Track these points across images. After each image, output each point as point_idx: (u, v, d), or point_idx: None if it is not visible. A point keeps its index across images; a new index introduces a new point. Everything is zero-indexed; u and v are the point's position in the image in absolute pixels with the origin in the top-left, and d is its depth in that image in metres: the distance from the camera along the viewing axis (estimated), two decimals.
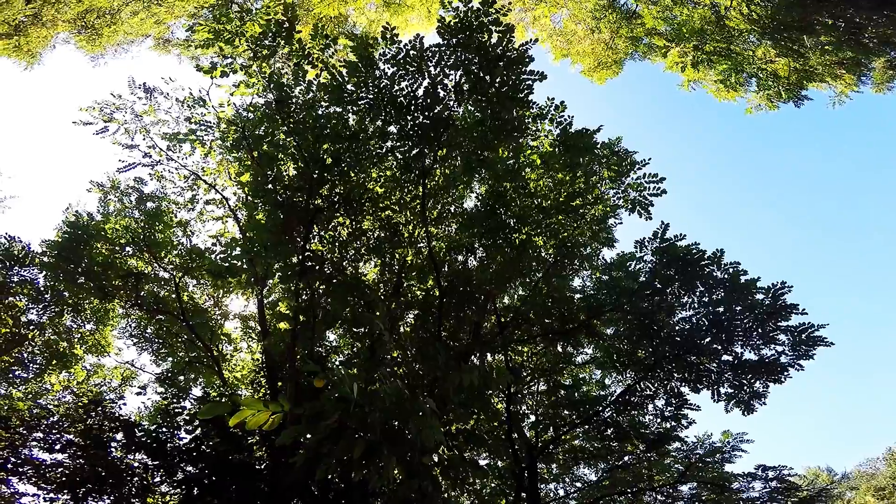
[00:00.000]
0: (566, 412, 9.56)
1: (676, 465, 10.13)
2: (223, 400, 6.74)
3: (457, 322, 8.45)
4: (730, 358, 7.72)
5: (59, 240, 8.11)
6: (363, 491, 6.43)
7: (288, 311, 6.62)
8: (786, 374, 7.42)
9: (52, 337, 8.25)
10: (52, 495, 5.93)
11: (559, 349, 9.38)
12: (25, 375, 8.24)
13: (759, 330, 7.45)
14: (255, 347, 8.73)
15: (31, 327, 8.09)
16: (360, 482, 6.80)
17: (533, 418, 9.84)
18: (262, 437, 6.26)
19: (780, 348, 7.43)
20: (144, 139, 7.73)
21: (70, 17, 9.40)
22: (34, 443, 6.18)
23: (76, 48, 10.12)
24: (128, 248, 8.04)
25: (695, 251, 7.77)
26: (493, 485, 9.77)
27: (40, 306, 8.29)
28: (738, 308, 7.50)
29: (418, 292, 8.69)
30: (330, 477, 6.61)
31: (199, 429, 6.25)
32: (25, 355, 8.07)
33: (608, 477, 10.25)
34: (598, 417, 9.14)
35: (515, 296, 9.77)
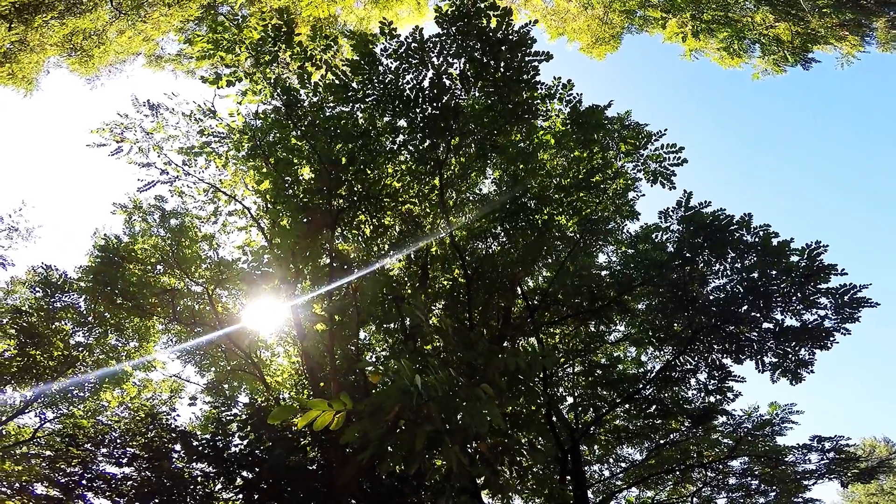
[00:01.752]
0: (605, 392, 9.43)
1: (725, 440, 9.82)
2: (272, 404, 6.98)
3: (485, 309, 8.48)
4: (771, 325, 7.43)
5: (93, 264, 8.38)
6: (413, 485, 6.62)
7: (323, 312, 6.73)
8: (831, 339, 7.13)
9: (100, 357, 8.62)
10: None
11: (591, 328, 9.32)
12: (83, 395, 8.68)
13: (798, 294, 7.13)
14: (293, 351, 8.95)
15: (80, 349, 8.46)
16: (412, 476, 7.01)
17: (571, 400, 9.81)
18: (314, 437, 6.46)
19: (822, 312, 7.12)
20: (159, 156, 7.83)
21: (57, 41, 9.46)
22: (101, 458, 6.52)
23: (69, 71, 10.25)
24: (159, 267, 8.26)
25: (722, 217, 7.53)
26: (535, 470, 9.89)
27: (85, 329, 8.64)
28: (774, 272, 7.23)
29: (444, 282, 8.73)
30: (385, 477, 6.83)
31: (252, 434, 6.47)
32: (80, 375, 8.49)
33: (654, 455, 10.05)
34: (638, 395, 8.92)
35: (540, 278, 9.74)
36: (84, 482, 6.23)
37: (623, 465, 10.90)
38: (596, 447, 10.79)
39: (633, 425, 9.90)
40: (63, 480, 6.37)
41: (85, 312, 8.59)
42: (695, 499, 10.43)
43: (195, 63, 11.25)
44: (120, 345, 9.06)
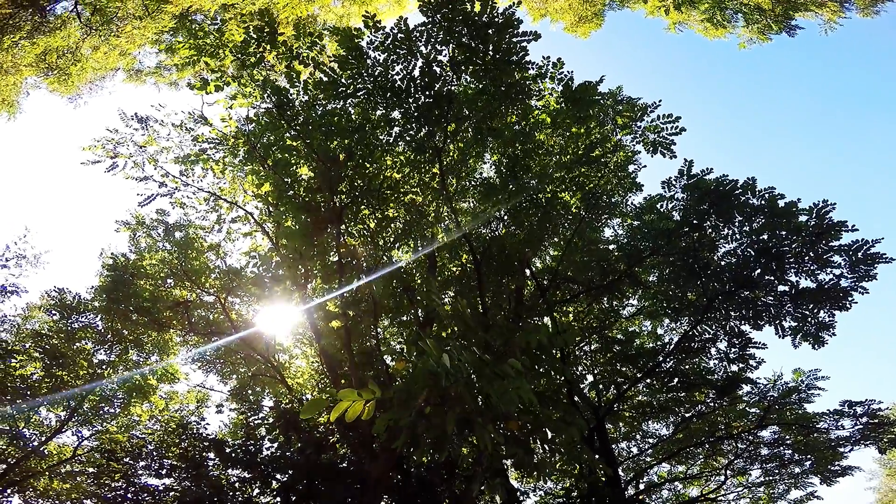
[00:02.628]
0: (624, 368, 9.33)
1: (753, 410, 9.62)
2: (296, 406, 7.07)
3: (496, 292, 8.48)
4: (786, 288, 7.31)
5: (104, 283, 8.46)
6: (443, 475, 6.72)
7: (337, 309, 6.76)
8: (849, 299, 6.99)
9: (124, 373, 8.78)
10: None
11: (604, 304, 9.27)
12: (113, 411, 8.88)
13: (811, 253, 6.96)
14: (310, 352, 9.04)
15: (104, 366, 8.62)
16: (442, 466, 7.11)
17: (591, 379, 9.75)
18: (343, 435, 6.55)
19: (837, 271, 6.98)
20: (155, 168, 7.79)
21: (31, 61, 9.38)
22: (141, 471, 6.67)
23: (49, 91, 10.19)
24: (169, 280, 8.31)
25: (726, 182, 7.42)
26: (563, 451, 9.84)
27: (105, 346, 8.79)
28: (783, 233, 7.14)
29: (454, 268, 8.73)
30: (413, 469, 6.94)
31: (281, 436, 6.58)
32: (108, 392, 8.67)
33: (681, 429, 9.89)
34: (659, 369, 8.76)
35: (548, 257, 9.72)
36: (129, 496, 6.39)
37: (651, 441, 10.77)
38: (621, 424, 10.73)
39: (656, 400, 9.75)
40: (110, 496, 6.53)
41: (103, 331, 8.72)
42: (727, 471, 10.25)
43: (177, 74, 11.16)
44: (141, 360, 9.21)
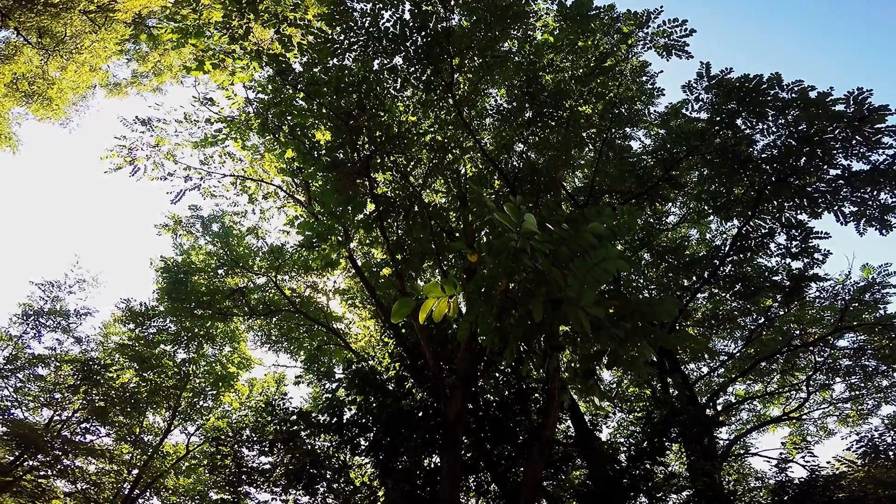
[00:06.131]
0: (682, 280, 8.73)
1: (826, 314, 8.78)
2: (367, 367, 7.29)
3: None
4: (838, 172, 6.63)
5: (162, 287, 8.88)
6: (515, 411, 6.79)
7: (384, 255, 6.75)
8: None
9: (205, 367, 9.41)
10: (282, 496, 6.82)
11: (647, 212, 8.75)
12: (207, 404, 9.63)
13: (857, 137, 6.26)
14: (365, 314, 9.23)
15: (187, 364, 9.26)
16: (514, 399, 7.18)
17: (647, 295, 9.25)
18: (417, 380, 6.71)
19: (890, 151, 6.24)
20: (176, 164, 7.86)
21: (4, 92, 9.60)
22: (246, 454, 7.15)
23: (38, 120, 10.45)
24: (220, 271, 8.60)
25: (751, 78, 6.74)
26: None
27: (182, 345, 9.39)
28: (823, 123, 6.39)
29: (486, 199, 8.49)
30: (481, 413, 7.07)
31: (359, 395, 6.81)
32: (198, 388, 9.37)
33: (753, 342, 9.14)
34: (717, 276, 8.17)
35: (580, 175, 9.32)
36: (244, 478, 6.89)
37: (722, 358, 10.08)
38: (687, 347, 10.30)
39: (720, 311, 9.10)
40: (227, 480, 7.07)
41: (176, 331, 9.27)
42: (808, 387, 9.50)
43: (156, 79, 11.12)
44: (217, 352, 9.79)
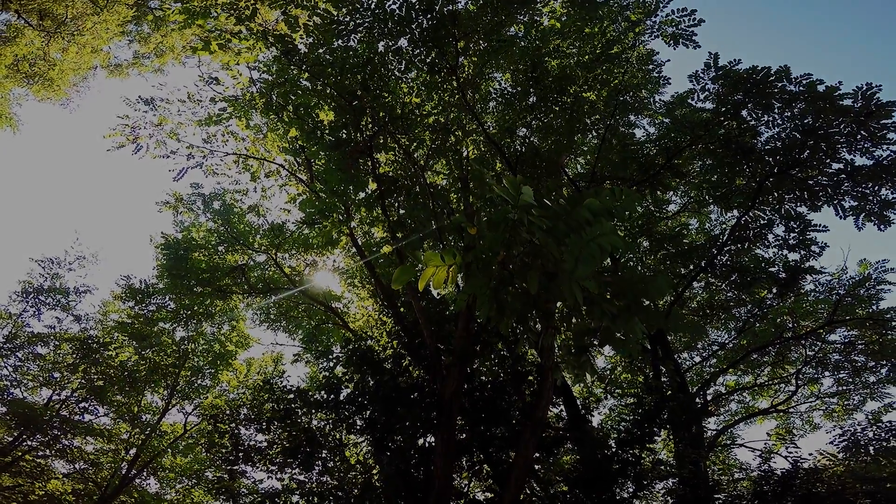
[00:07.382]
0: (679, 268, 8.79)
1: (820, 308, 8.85)
2: (364, 346, 7.39)
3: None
4: (841, 166, 6.70)
5: (162, 264, 8.93)
6: (510, 391, 6.90)
7: (385, 233, 6.83)
8: None
9: (204, 345, 9.48)
10: (278, 474, 6.88)
11: (648, 200, 8.84)
12: (205, 383, 9.70)
13: (862, 132, 6.30)
14: (364, 294, 9.32)
15: (186, 341, 9.33)
16: (509, 379, 7.29)
17: None
18: (414, 357, 6.80)
19: (895, 147, 6.29)
20: (179, 142, 7.89)
21: (5, 73, 9.62)
22: (243, 433, 7.23)
23: (39, 101, 10.46)
24: (220, 248, 8.65)
25: (759, 70, 6.79)
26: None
27: (181, 323, 9.45)
28: (829, 117, 6.47)
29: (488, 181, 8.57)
30: (476, 394, 7.17)
31: (356, 372, 6.91)
32: (196, 366, 9.43)
33: (745, 333, 9.26)
34: (714, 264, 8.29)
35: (583, 160, 9.38)
36: (241, 455, 6.96)
37: (714, 348, 10.24)
38: (681, 335, 10.26)
39: (716, 300, 9.16)
40: (224, 458, 7.13)
41: (175, 309, 9.33)
42: (797, 380, 9.66)
43: (158, 60, 11.11)
44: (215, 330, 9.86)
